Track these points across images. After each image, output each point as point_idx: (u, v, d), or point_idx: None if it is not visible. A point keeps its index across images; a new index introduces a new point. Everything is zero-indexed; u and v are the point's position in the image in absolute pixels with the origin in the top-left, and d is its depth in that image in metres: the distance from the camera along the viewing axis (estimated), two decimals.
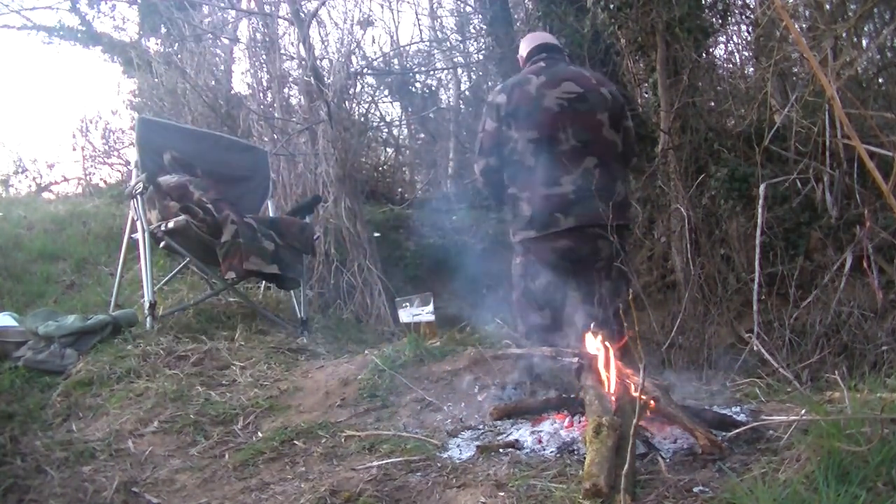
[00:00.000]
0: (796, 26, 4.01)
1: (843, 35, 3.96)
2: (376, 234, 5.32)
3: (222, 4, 7.11)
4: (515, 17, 7.23)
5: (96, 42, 9.65)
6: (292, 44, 6.42)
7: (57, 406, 2.93)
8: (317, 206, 4.85)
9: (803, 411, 1.90)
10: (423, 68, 8.98)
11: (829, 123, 3.81)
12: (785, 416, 1.94)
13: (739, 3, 5.44)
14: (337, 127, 5.48)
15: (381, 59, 8.26)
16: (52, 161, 9.31)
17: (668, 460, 1.85)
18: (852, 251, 3.64)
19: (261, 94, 6.59)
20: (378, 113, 8.61)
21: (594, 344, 2.26)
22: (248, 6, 7.09)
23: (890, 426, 1.57)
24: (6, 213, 6.50)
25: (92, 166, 8.66)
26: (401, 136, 9.17)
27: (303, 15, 6.00)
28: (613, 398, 2.05)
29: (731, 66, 5.68)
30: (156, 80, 7.25)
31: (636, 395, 1.83)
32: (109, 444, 2.52)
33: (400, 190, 8.23)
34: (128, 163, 7.33)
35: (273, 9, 6.63)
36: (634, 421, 1.75)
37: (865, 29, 4.56)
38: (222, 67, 7.27)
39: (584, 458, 1.76)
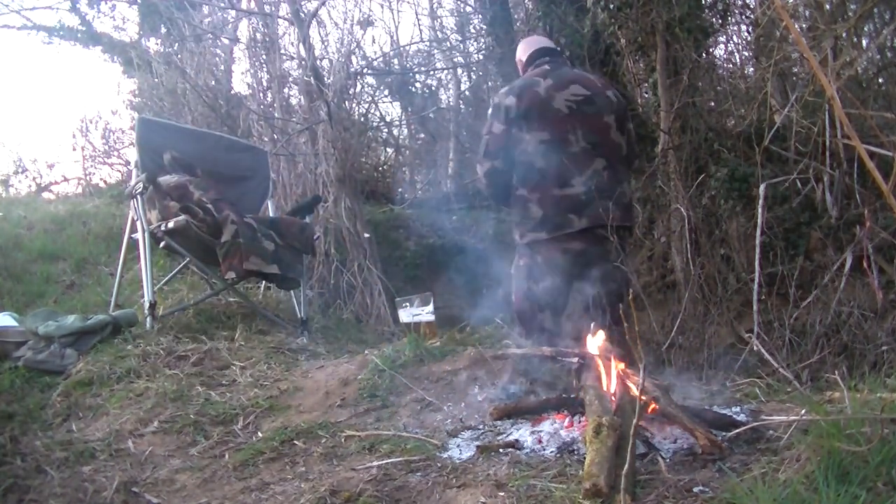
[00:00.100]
0: (796, 26, 4.01)
1: (843, 35, 3.96)
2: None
3: (222, 4, 7.11)
4: (515, 17, 7.22)
5: (96, 42, 9.64)
6: (292, 44, 6.43)
7: (57, 406, 2.94)
8: (317, 206, 4.85)
9: (803, 411, 1.90)
10: (423, 68, 8.99)
11: (829, 123, 3.80)
12: (785, 416, 1.94)
13: (739, 3, 5.44)
14: (337, 127, 5.48)
15: (381, 59, 8.27)
16: (52, 161, 9.31)
17: (668, 460, 1.85)
18: (852, 251, 3.64)
19: (261, 94, 6.59)
20: (378, 113, 8.62)
21: (594, 344, 2.26)
22: (248, 6, 7.10)
23: (890, 426, 1.57)
24: (6, 213, 6.49)
25: (92, 166, 8.66)
26: (401, 136, 9.17)
27: (303, 15, 6.00)
28: (613, 398, 2.05)
29: (731, 66, 5.68)
30: (156, 80, 7.25)
31: (636, 395, 1.83)
32: (109, 444, 2.52)
33: (400, 190, 8.22)
34: (128, 163, 7.33)
35: (273, 9, 6.64)
36: (634, 421, 1.75)
37: (865, 29, 4.56)
38: (222, 67, 7.27)
39: (584, 458, 1.76)
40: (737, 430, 1.93)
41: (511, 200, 3.06)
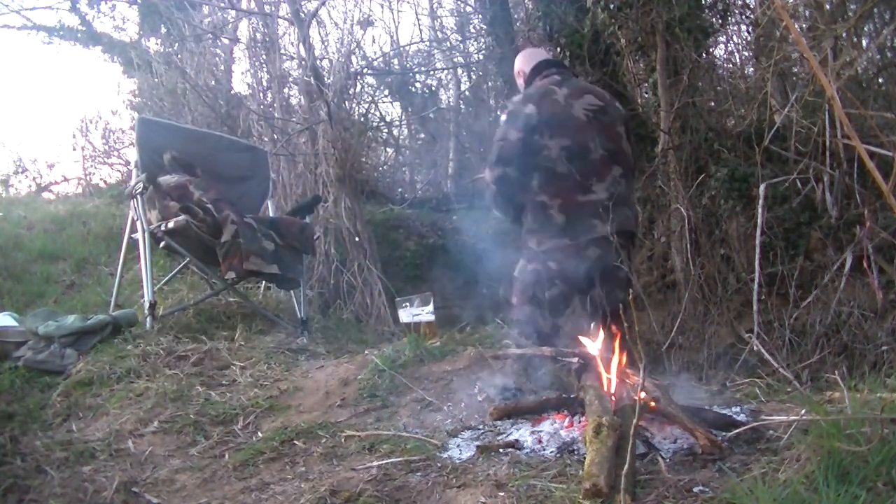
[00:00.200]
0: (796, 26, 4.01)
1: (843, 35, 3.96)
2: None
3: (222, 4, 7.10)
4: (515, 17, 7.22)
5: (96, 42, 9.65)
6: (292, 44, 6.43)
7: (57, 406, 2.94)
8: (317, 206, 4.85)
9: (803, 411, 1.90)
10: (423, 68, 8.99)
11: (829, 123, 3.80)
12: (785, 416, 1.94)
13: (739, 3, 5.44)
14: (337, 127, 5.48)
15: (381, 59, 8.27)
16: (52, 161, 9.32)
17: (668, 460, 1.85)
18: (852, 251, 3.64)
19: (261, 94, 6.59)
20: (378, 113, 8.62)
21: (594, 345, 2.26)
22: (248, 6, 7.10)
23: (890, 426, 1.57)
24: (6, 213, 6.50)
25: (92, 166, 8.66)
26: (401, 136, 9.18)
27: (303, 15, 6.00)
28: (613, 398, 2.05)
29: (731, 66, 5.68)
30: (156, 80, 7.25)
31: (636, 395, 1.83)
32: (109, 444, 2.52)
33: (400, 190, 8.23)
34: (128, 163, 7.33)
35: (273, 9, 6.64)
36: (634, 421, 1.75)
37: (865, 29, 4.56)
38: (222, 67, 7.27)
39: (584, 458, 1.76)
40: (737, 430, 1.93)
41: (527, 207, 3.03)
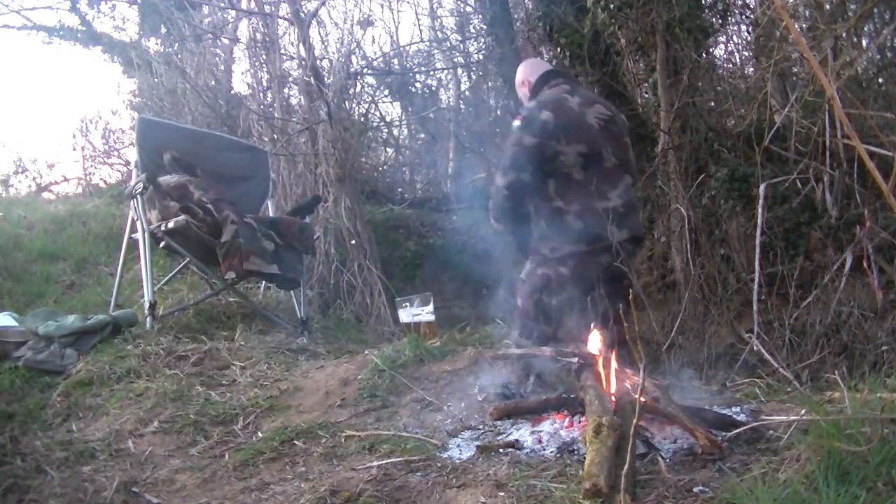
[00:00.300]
0: (796, 26, 4.01)
1: (843, 35, 3.96)
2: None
3: (222, 4, 7.10)
4: (515, 17, 7.22)
5: (96, 42, 9.64)
6: (292, 44, 6.42)
7: (57, 406, 2.94)
8: (317, 206, 4.85)
9: (803, 411, 1.90)
10: (423, 68, 8.98)
11: (829, 123, 3.80)
12: (785, 416, 1.94)
13: (739, 3, 5.44)
14: (337, 127, 5.48)
15: (381, 59, 8.26)
16: (52, 161, 9.30)
17: (668, 460, 1.85)
18: (852, 251, 3.64)
19: (261, 94, 6.59)
20: (378, 113, 8.61)
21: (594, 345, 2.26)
22: (248, 6, 7.09)
23: (890, 426, 1.57)
24: (6, 213, 6.50)
25: (92, 166, 8.66)
26: (401, 136, 9.17)
27: (303, 15, 6.00)
28: (613, 398, 2.05)
29: (731, 66, 5.68)
30: (156, 80, 7.25)
31: (636, 395, 1.83)
32: (109, 444, 2.52)
33: (400, 190, 8.22)
34: (128, 163, 7.33)
35: (273, 9, 6.63)
36: (634, 421, 1.75)
37: (865, 29, 4.56)
38: (222, 67, 7.27)
39: (584, 458, 1.76)
40: (737, 430, 1.93)
41: (539, 213, 3.03)
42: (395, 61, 8.64)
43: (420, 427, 2.38)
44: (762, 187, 3.87)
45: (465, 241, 6.03)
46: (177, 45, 7.19)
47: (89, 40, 9.67)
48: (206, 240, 3.69)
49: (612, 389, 2.13)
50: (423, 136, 9.05)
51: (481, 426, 2.31)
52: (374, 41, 10.55)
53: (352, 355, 3.32)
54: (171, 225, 3.66)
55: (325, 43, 6.91)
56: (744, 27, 5.63)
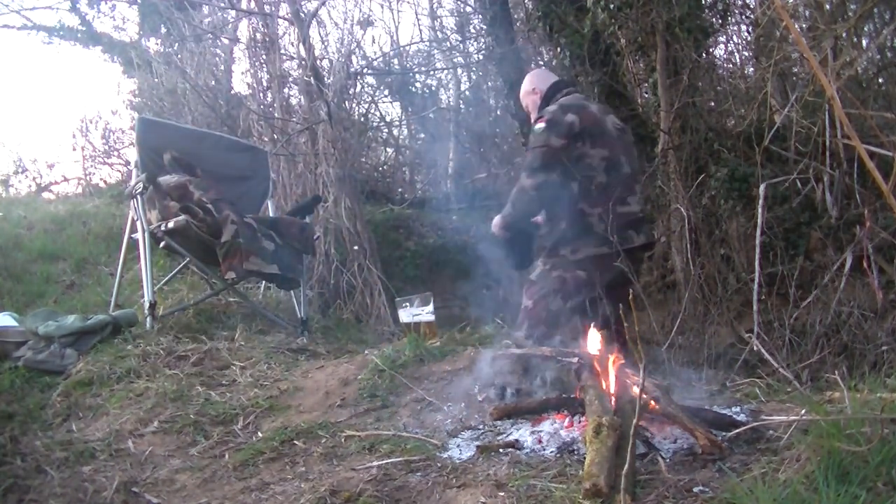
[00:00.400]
0: (796, 26, 4.01)
1: (843, 35, 3.96)
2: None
3: (222, 4, 7.10)
4: (515, 17, 7.21)
5: (96, 42, 9.65)
6: (292, 44, 6.42)
7: (57, 406, 2.94)
8: (317, 206, 4.85)
9: (803, 411, 1.90)
10: (423, 68, 8.98)
11: (829, 123, 3.80)
12: (785, 416, 1.94)
13: (739, 3, 5.44)
14: (337, 127, 5.48)
15: (381, 59, 8.26)
16: (52, 161, 9.32)
17: (668, 460, 1.85)
18: (852, 251, 3.63)
19: (261, 94, 6.59)
20: (378, 113, 8.62)
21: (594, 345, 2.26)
22: (248, 6, 7.08)
23: (890, 426, 1.57)
24: (6, 213, 6.50)
25: (92, 166, 8.66)
26: (401, 136, 9.17)
27: (303, 15, 6.00)
28: (613, 398, 2.05)
29: (731, 66, 5.68)
30: (156, 80, 7.25)
31: (636, 395, 1.83)
32: (109, 444, 2.52)
33: (400, 190, 8.22)
34: (128, 163, 7.33)
35: (273, 9, 6.62)
36: (634, 421, 1.75)
37: (865, 29, 4.56)
38: (222, 67, 7.27)
39: (584, 458, 1.76)
40: (737, 430, 1.93)
41: (559, 215, 3.04)
42: (395, 61, 8.65)
43: (420, 427, 2.38)
44: (762, 187, 3.87)
45: (465, 241, 6.03)
46: (177, 45, 7.20)
47: (89, 40, 9.68)
48: (206, 240, 3.69)
49: (612, 389, 2.13)
50: (423, 136, 9.05)
51: (481, 426, 2.31)
52: (374, 41, 10.59)
53: (352, 355, 3.31)
54: (171, 225, 3.66)
55: (325, 43, 6.92)
56: (744, 27, 5.64)
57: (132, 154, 4.50)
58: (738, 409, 2.26)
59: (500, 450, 2.05)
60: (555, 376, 2.54)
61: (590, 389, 2.10)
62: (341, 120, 5.74)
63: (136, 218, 3.84)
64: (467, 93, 9.26)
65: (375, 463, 2.06)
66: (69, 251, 5.43)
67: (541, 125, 3.04)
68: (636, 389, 1.88)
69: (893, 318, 3.25)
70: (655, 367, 2.97)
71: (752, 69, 5.46)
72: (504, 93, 6.98)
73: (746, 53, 5.62)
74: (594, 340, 2.33)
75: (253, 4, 6.91)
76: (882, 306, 3.36)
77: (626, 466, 1.64)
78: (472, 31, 8.76)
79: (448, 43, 9.25)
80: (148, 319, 3.62)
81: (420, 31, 9.61)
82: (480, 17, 7.88)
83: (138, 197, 3.78)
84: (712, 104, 5.22)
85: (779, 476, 1.60)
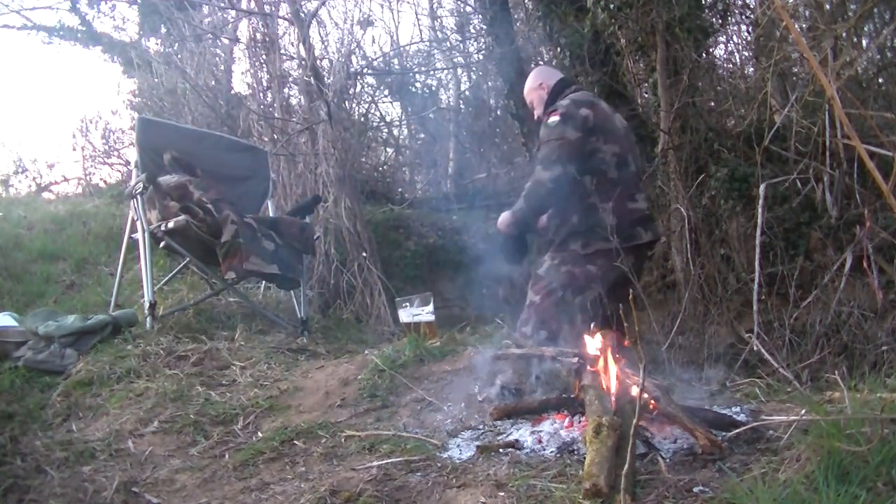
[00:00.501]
0: (796, 26, 4.01)
1: (843, 35, 3.96)
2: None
3: (222, 4, 7.10)
4: (515, 17, 7.22)
5: (96, 42, 9.65)
6: (292, 44, 6.42)
7: (57, 406, 2.93)
8: (317, 206, 4.85)
9: (803, 411, 1.90)
10: (423, 68, 8.98)
11: (829, 123, 3.80)
12: (785, 416, 1.94)
13: (739, 3, 5.44)
14: (337, 127, 5.48)
15: (381, 59, 8.26)
16: (52, 161, 9.32)
17: (668, 460, 1.85)
18: (852, 251, 3.63)
19: (261, 94, 6.59)
20: (378, 113, 8.62)
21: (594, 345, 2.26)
22: (248, 6, 7.09)
23: (890, 426, 1.57)
24: (6, 213, 6.49)
25: (92, 166, 8.66)
26: (401, 136, 9.18)
27: (303, 15, 6.00)
28: (613, 398, 2.05)
29: (731, 66, 5.68)
30: (156, 80, 7.26)
31: (636, 395, 1.83)
32: (109, 444, 2.52)
33: (400, 190, 8.22)
34: (128, 163, 7.33)
35: (273, 9, 6.62)
36: (634, 421, 1.75)
37: (865, 29, 4.56)
38: (222, 67, 7.26)
39: (584, 458, 1.76)
40: (737, 430, 1.93)
41: (570, 209, 3.04)
42: (395, 61, 8.65)
43: (420, 427, 2.38)
44: (762, 187, 3.87)
45: (465, 241, 6.04)
46: (177, 45, 7.19)
47: (89, 40, 9.68)
48: (206, 240, 3.69)
49: (613, 389, 2.13)
50: (423, 136, 9.05)
51: (481, 426, 2.31)
52: (374, 41, 10.61)
53: (352, 355, 3.31)
54: (171, 225, 3.66)
55: (325, 43, 6.92)
56: (744, 27, 5.63)
57: (132, 154, 4.50)
58: (738, 409, 2.26)
59: (500, 450, 2.05)
60: (555, 376, 2.55)
61: (590, 389, 2.10)
62: (341, 120, 5.74)
63: (136, 218, 3.84)
64: (467, 93, 9.26)
65: (375, 463, 2.06)
66: (69, 251, 5.43)
67: (555, 118, 3.04)
68: (636, 389, 1.88)
69: (893, 318, 3.25)
70: (655, 367, 2.97)
71: (752, 69, 5.46)
72: (504, 93, 6.98)
73: (746, 53, 5.63)
74: (594, 340, 2.33)
75: (253, 4, 6.91)
76: (882, 306, 3.36)
77: (626, 466, 1.64)
78: (472, 31, 8.78)
79: (448, 43, 9.26)
80: (148, 319, 3.62)
81: (420, 31, 9.63)
82: (480, 17, 7.89)
83: (138, 197, 3.78)
84: (712, 104, 5.22)
85: (779, 476, 1.60)
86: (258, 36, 6.45)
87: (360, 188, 6.09)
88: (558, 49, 5.82)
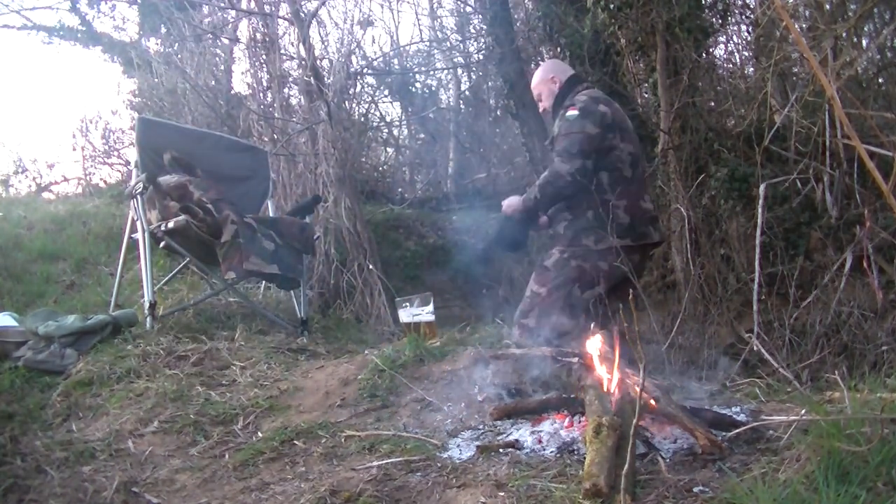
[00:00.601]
0: (796, 26, 4.00)
1: (843, 35, 3.96)
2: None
3: (222, 4, 7.10)
4: (515, 17, 7.21)
5: (96, 42, 9.64)
6: (292, 44, 6.42)
7: (57, 406, 2.93)
8: (317, 206, 4.85)
9: (803, 411, 1.90)
10: (423, 68, 8.98)
11: (829, 123, 3.80)
12: (785, 416, 1.94)
13: (739, 3, 5.44)
14: (337, 127, 5.48)
15: (381, 59, 8.26)
16: (52, 161, 9.30)
17: (668, 460, 1.85)
18: (852, 251, 3.64)
19: (261, 94, 6.59)
20: (378, 113, 8.62)
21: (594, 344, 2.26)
22: (248, 6, 7.09)
23: (890, 426, 1.57)
24: (6, 213, 6.50)
25: (92, 166, 8.66)
26: (401, 136, 9.17)
27: (303, 15, 6.00)
28: (613, 398, 2.05)
29: (731, 66, 5.68)
30: (156, 80, 7.26)
31: (636, 395, 1.83)
32: (109, 444, 2.52)
33: (400, 190, 8.22)
34: (128, 163, 7.33)
35: (273, 9, 6.62)
36: (634, 421, 1.75)
37: (865, 29, 4.56)
38: (222, 67, 7.26)
39: (584, 458, 1.76)
40: (737, 430, 1.93)
41: (584, 204, 3.04)
42: (395, 61, 8.65)
43: (420, 427, 2.38)
44: (762, 187, 3.87)
45: (465, 241, 6.04)
46: (177, 45, 7.19)
47: (89, 40, 9.67)
48: (206, 240, 3.69)
49: (613, 389, 2.13)
50: (423, 136, 9.05)
51: (481, 426, 2.31)
52: (374, 41, 10.56)
53: (352, 355, 3.31)
54: (171, 225, 3.66)
55: (325, 43, 6.92)
56: (744, 27, 5.63)
57: (132, 154, 4.50)
58: (738, 409, 2.26)
59: (500, 450, 2.05)
60: (554, 376, 2.55)
61: (590, 389, 2.10)
62: (341, 120, 5.74)
63: (136, 218, 3.84)
64: (467, 93, 9.25)
65: (375, 463, 2.06)
66: (69, 251, 5.43)
67: (574, 112, 3.05)
68: (636, 389, 1.88)
69: (893, 318, 3.25)
70: (655, 367, 2.97)
71: (752, 69, 5.46)
72: (504, 93, 6.98)
73: (746, 53, 5.62)
74: (595, 340, 2.33)
75: (253, 4, 6.91)
76: (882, 306, 3.36)
77: (626, 466, 1.64)
78: (472, 31, 8.76)
79: (448, 43, 9.24)
80: (148, 319, 3.62)
81: (420, 31, 9.60)
82: (480, 17, 7.89)
83: (138, 197, 3.78)
84: (712, 104, 5.22)
85: (779, 476, 1.60)
86: (258, 36, 6.45)
87: (360, 188, 6.10)
88: (558, 49, 5.82)
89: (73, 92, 18.78)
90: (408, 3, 12.31)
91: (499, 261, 5.46)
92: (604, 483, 1.61)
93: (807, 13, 4.49)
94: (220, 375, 3.12)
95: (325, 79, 5.89)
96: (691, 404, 2.16)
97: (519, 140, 6.76)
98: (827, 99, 3.36)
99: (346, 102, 6.43)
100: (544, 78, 3.29)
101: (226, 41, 7.37)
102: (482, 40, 7.98)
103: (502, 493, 1.76)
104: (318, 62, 5.89)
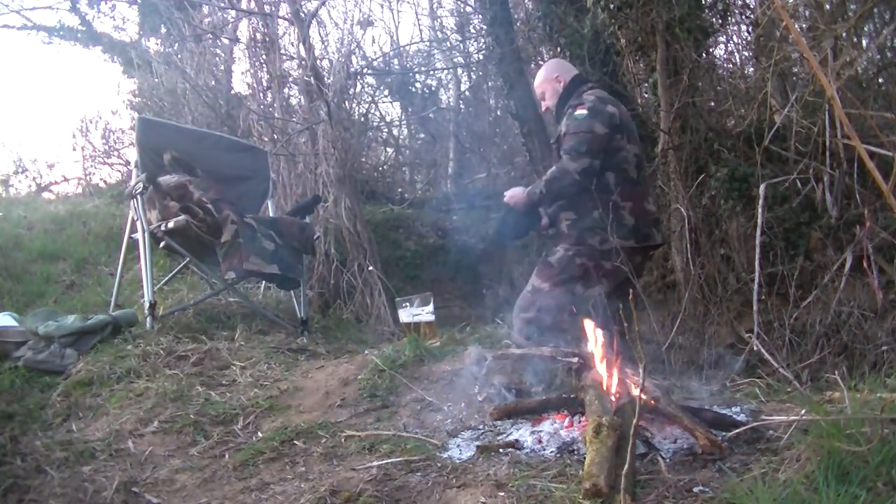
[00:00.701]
0: (796, 26, 4.00)
1: (843, 35, 3.96)
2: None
3: (222, 4, 7.10)
4: (515, 17, 7.21)
5: (96, 42, 9.64)
6: (292, 44, 6.42)
7: (57, 406, 2.94)
8: (317, 206, 4.85)
9: (803, 411, 1.91)
10: (423, 68, 8.98)
11: (829, 123, 3.80)
12: (785, 416, 1.94)
13: (739, 3, 5.44)
14: (337, 127, 5.48)
15: (381, 59, 8.26)
16: (52, 161, 9.32)
17: (668, 460, 1.85)
18: (852, 251, 3.63)
19: (261, 94, 6.59)
20: (378, 113, 8.62)
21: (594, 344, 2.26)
22: (248, 6, 7.09)
23: (890, 426, 1.57)
24: (6, 213, 6.50)
25: (92, 166, 8.66)
26: (401, 136, 9.17)
27: (303, 15, 6.00)
28: (613, 398, 2.05)
29: (731, 66, 5.67)
30: (156, 80, 7.26)
31: (636, 395, 1.83)
32: (109, 444, 2.52)
33: (400, 190, 8.22)
34: (128, 163, 7.33)
35: (273, 9, 6.62)
36: (634, 421, 1.75)
37: (865, 29, 4.55)
38: (222, 67, 7.27)
39: (584, 458, 1.76)
40: (737, 430, 1.93)
41: (590, 204, 3.04)
42: (395, 61, 8.65)
43: (420, 427, 2.38)
44: (762, 187, 3.87)
45: (465, 241, 6.04)
46: (177, 45, 7.20)
47: (89, 40, 9.67)
48: (206, 240, 3.69)
49: (613, 389, 2.13)
50: (423, 136, 9.05)
51: (481, 426, 2.31)
52: (374, 41, 10.59)
53: (352, 355, 3.31)
54: (171, 225, 3.66)
55: (325, 43, 6.92)
56: (744, 27, 5.63)
57: (132, 154, 4.50)
58: (738, 409, 2.26)
59: (500, 450, 2.05)
60: (554, 376, 2.55)
61: (590, 389, 2.10)
62: (341, 120, 5.73)
63: (136, 218, 3.84)
64: (467, 93, 9.26)
65: (375, 463, 2.06)
66: (69, 251, 5.43)
67: (582, 112, 3.05)
68: (636, 389, 1.88)
69: (893, 318, 3.25)
70: (655, 367, 2.97)
71: (752, 69, 5.45)
72: (504, 93, 6.97)
73: (746, 53, 5.62)
74: (595, 339, 2.33)
75: (253, 4, 6.91)
76: (882, 306, 3.36)
77: (626, 466, 1.64)
78: (472, 31, 8.76)
79: (448, 43, 9.25)
80: (148, 319, 3.62)
81: (420, 31, 9.62)
82: (480, 17, 7.88)
83: (138, 197, 3.78)
84: (712, 104, 5.22)
85: (779, 476, 1.60)
86: (258, 36, 6.45)
87: (360, 188, 6.09)
88: (558, 49, 5.81)
89: (73, 92, 18.80)
90: (408, 3, 12.33)
91: (499, 260, 5.47)
92: (604, 483, 1.61)
93: (807, 13, 4.49)
94: (220, 375, 3.12)
95: (325, 79, 5.90)
96: (691, 404, 2.16)
97: (519, 140, 6.76)
98: (827, 99, 3.36)
99: (346, 102, 6.43)
100: (548, 77, 3.29)
101: (226, 41, 7.38)
102: (482, 40, 7.98)
103: (502, 493, 1.76)
104: (318, 62, 5.90)
